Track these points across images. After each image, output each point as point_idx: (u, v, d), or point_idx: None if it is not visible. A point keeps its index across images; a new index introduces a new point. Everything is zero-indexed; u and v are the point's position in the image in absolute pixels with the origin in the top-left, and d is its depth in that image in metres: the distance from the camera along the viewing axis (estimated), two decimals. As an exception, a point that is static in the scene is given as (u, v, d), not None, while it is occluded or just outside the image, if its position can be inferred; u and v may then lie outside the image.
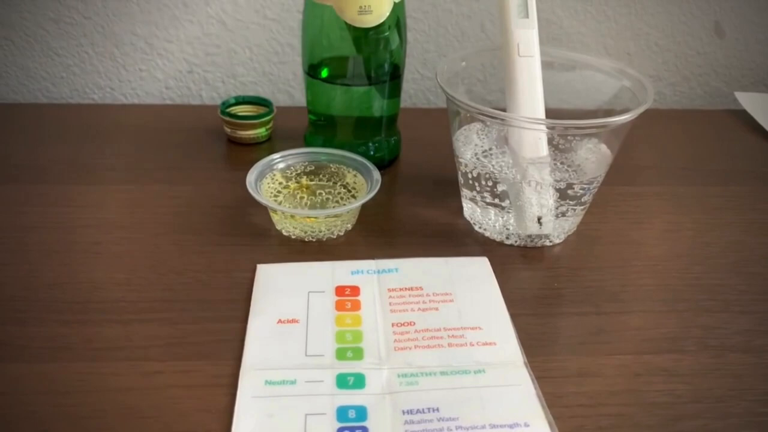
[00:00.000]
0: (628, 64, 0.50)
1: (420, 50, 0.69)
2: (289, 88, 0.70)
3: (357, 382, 0.36)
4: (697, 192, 0.55)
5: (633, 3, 0.69)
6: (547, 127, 0.45)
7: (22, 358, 0.37)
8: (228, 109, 0.59)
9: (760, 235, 0.50)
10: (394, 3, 0.49)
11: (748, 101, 0.69)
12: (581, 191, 0.46)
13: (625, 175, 0.55)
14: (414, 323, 0.40)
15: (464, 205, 0.50)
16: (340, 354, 0.37)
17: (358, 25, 0.49)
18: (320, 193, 0.49)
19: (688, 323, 0.41)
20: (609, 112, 0.47)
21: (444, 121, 0.49)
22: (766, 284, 0.45)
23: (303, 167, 0.51)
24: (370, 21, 0.49)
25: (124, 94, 0.70)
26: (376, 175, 0.48)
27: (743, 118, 0.68)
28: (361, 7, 0.48)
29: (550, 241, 0.48)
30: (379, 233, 0.48)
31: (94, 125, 0.62)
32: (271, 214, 0.47)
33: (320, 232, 0.47)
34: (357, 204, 0.46)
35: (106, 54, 0.68)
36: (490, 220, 0.48)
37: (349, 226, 0.48)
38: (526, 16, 0.45)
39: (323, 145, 0.53)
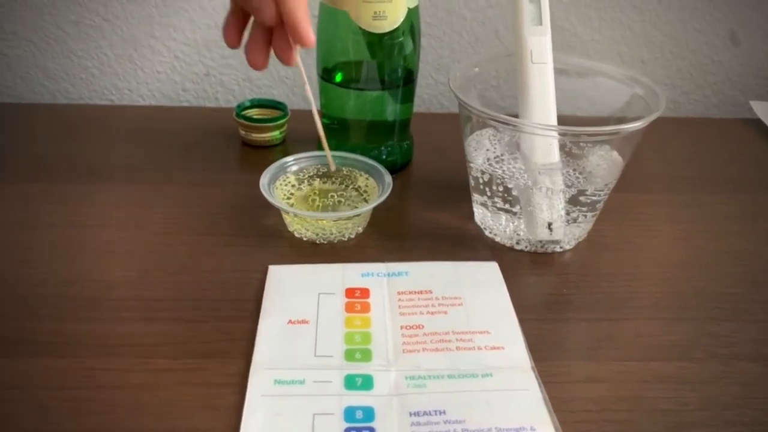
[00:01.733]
0: (641, 72, 0.50)
1: (434, 55, 0.70)
2: (303, 92, 0.71)
3: (365, 383, 0.36)
4: (709, 200, 0.55)
5: (647, 11, 0.69)
6: (559, 134, 0.45)
7: (36, 354, 0.37)
8: (243, 112, 0.59)
9: (771, 245, 0.50)
10: (409, 9, 0.50)
11: (763, 110, 0.69)
12: (592, 198, 0.46)
13: (637, 183, 0.55)
14: (423, 326, 0.40)
15: (475, 210, 0.50)
16: (349, 355, 0.38)
17: (372, 30, 0.49)
18: (332, 196, 0.50)
19: (696, 331, 0.41)
20: (621, 119, 0.47)
21: (457, 126, 0.49)
22: (776, 294, 0.45)
23: (316, 170, 0.51)
24: (385, 26, 0.49)
25: (142, 96, 0.71)
26: (388, 178, 0.48)
27: (757, 127, 0.68)
28: (375, 12, 0.48)
29: (561, 247, 0.48)
30: (390, 236, 0.49)
31: (111, 126, 0.63)
32: (284, 216, 0.48)
33: (332, 234, 0.47)
34: (368, 207, 0.46)
35: (125, 56, 0.69)
36: (500, 225, 0.48)
37: (361, 229, 0.48)
38: (540, 23, 0.46)
39: (336, 149, 0.54)
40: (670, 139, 0.65)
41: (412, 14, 0.51)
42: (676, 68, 0.72)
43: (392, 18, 0.49)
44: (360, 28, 0.49)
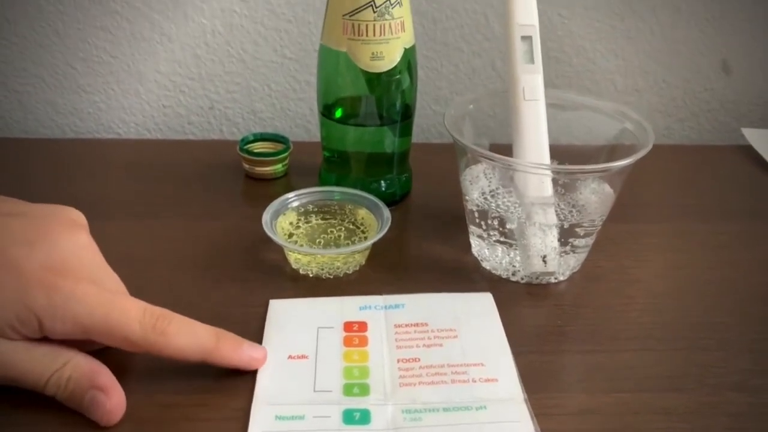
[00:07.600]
0: (631, 106, 0.51)
1: (432, 87, 0.71)
2: (306, 123, 0.73)
3: (363, 417, 0.37)
4: (703, 229, 0.56)
5: (641, 41, 0.70)
6: (551, 172, 0.46)
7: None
8: (247, 146, 0.61)
9: (763, 275, 0.51)
10: (405, 49, 0.51)
11: (755, 137, 0.70)
12: (586, 230, 0.47)
13: (631, 212, 0.56)
14: (419, 359, 0.41)
15: (472, 241, 0.51)
16: (347, 390, 0.39)
17: (370, 70, 0.51)
18: (332, 231, 0.51)
19: (687, 362, 0.42)
20: (614, 149, 0.49)
21: (454, 156, 0.50)
22: (766, 324, 0.46)
23: (316, 206, 0.53)
24: (382, 66, 0.51)
25: (148, 129, 0.73)
26: (387, 213, 0.50)
27: (749, 153, 0.69)
28: (373, 53, 0.50)
29: (555, 279, 0.49)
30: (389, 269, 0.50)
31: (118, 159, 0.64)
32: (285, 252, 0.49)
33: (332, 268, 0.48)
34: (367, 243, 0.48)
35: (131, 91, 0.70)
36: (497, 256, 0.49)
37: (363, 262, 0.50)
38: (532, 61, 0.47)
39: (337, 182, 0.55)
40: (665, 167, 0.66)
41: (409, 53, 0.52)
42: (670, 96, 0.73)
43: (389, 58, 0.51)
44: (359, 68, 0.51)
